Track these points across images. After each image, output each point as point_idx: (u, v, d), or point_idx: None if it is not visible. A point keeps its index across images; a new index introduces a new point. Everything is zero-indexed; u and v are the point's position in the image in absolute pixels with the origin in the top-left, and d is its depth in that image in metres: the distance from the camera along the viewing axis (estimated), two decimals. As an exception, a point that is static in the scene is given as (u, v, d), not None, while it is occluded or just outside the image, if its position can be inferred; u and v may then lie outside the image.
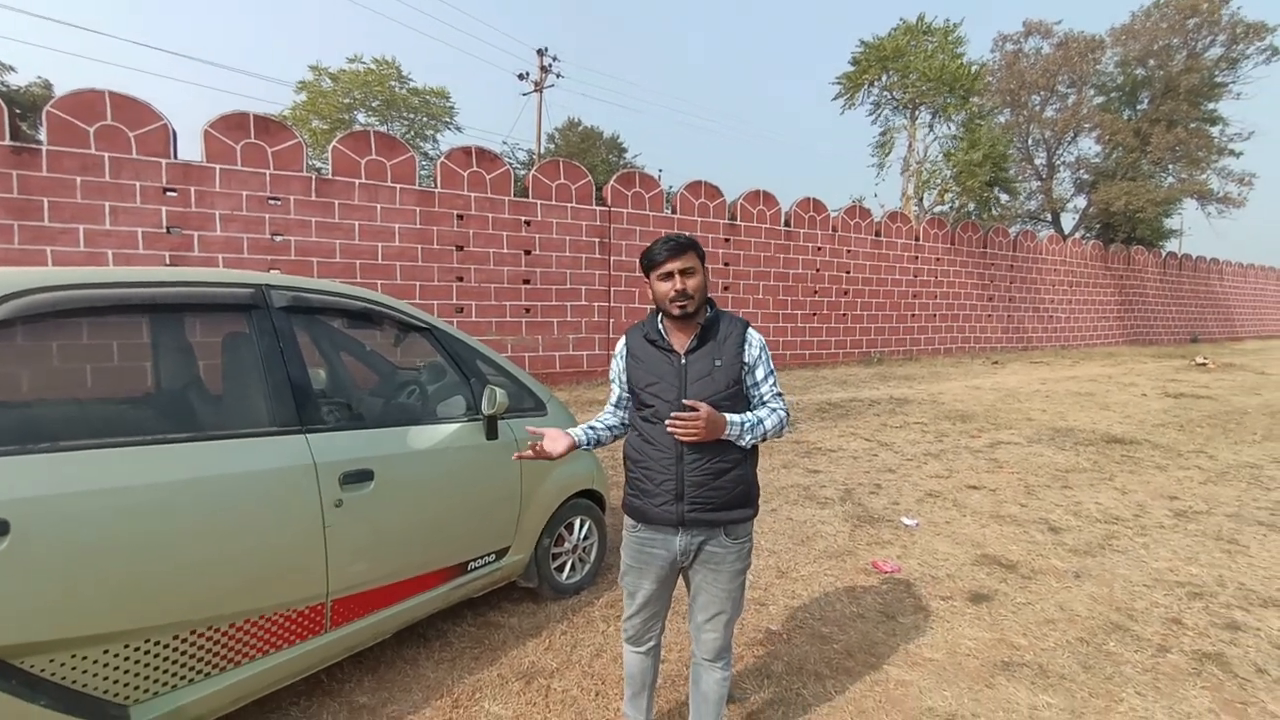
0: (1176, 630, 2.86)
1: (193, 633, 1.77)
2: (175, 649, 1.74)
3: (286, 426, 2.02)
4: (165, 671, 1.73)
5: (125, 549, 1.65)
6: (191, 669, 1.78)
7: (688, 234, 1.82)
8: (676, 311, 1.73)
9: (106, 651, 1.62)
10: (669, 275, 1.72)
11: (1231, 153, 23.37)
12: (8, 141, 6.64)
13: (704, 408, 1.65)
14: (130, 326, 2.43)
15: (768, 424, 1.76)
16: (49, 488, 1.54)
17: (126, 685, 1.66)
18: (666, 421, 1.69)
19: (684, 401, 1.69)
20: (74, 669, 1.57)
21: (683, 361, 1.75)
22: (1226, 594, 3.22)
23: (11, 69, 20.87)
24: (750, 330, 1.82)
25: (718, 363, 1.74)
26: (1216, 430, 7.41)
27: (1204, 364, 14.84)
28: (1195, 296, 24.67)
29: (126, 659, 1.66)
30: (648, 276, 1.79)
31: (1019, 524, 4.22)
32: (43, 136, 6.85)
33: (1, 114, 6.60)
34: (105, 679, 1.62)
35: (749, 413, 1.77)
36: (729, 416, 1.70)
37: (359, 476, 2.14)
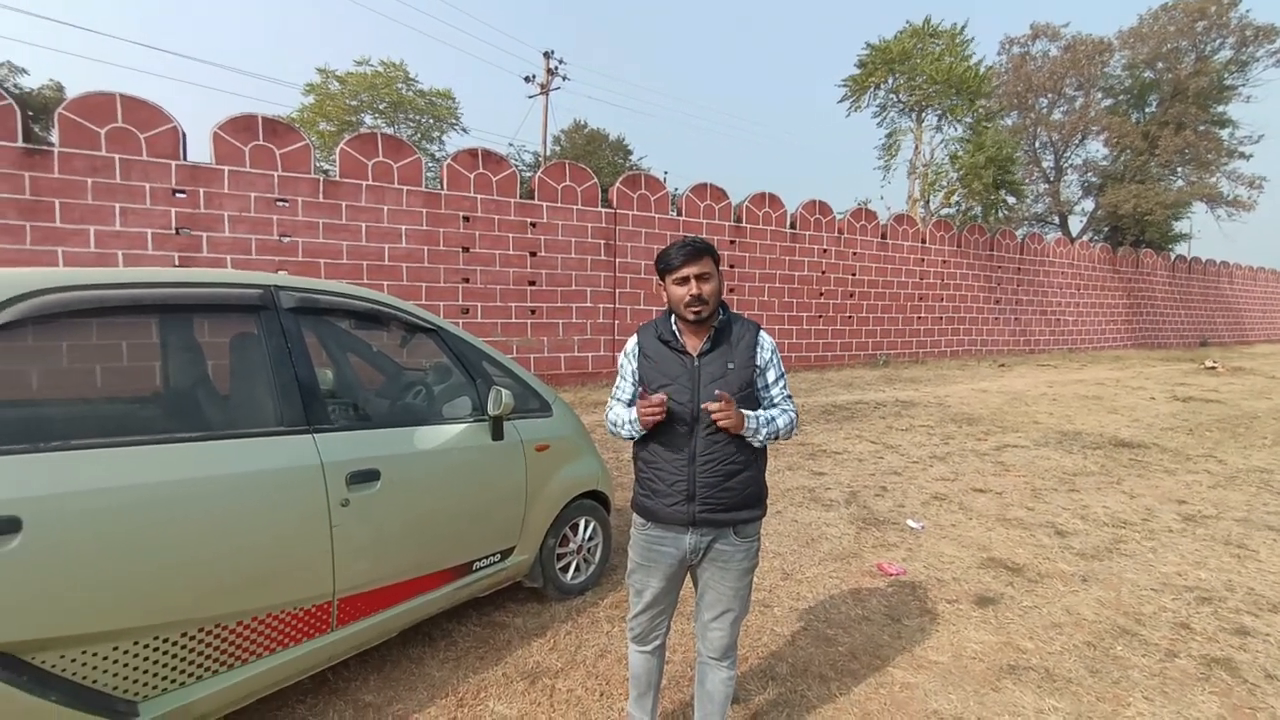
0: (1185, 635, 2.84)
1: (201, 630, 1.79)
2: (184, 646, 1.76)
3: (294, 426, 2.04)
4: (174, 669, 1.74)
5: (135, 547, 1.66)
6: (200, 666, 1.80)
7: (704, 238, 1.82)
8: (691, 316, 1.75)
9: (116, 648, 1.63)
10: (684, 280, 1.73)
11: (1241, 155, 23.23)
12: (20, 143, 6.71)
13: (728, 399, 1.68)
14: (140, 327, 2.45)
15: (780, 422, 1.79)
16: (60, 486, 1.56)
17: (136, 682, 1.68)
18: (710, 406, 1.69)
19: (716, 392, 1.70)
20: (85, 665, 1.59)
21: (696, 363, 1.77)
22: (1235, 599, 3.20)
23: (24, 71, 21.10)
24: (762, 333, 1.84)
25: (731, 365, 1.76)
26: (1226, 435, 7.35)
27: (1213, 368, 14.73)
28: (1204, 300, 24.49)
29: (136, 655, 1.67)
30: (662, 279, 1.80)
31: (1025, 527, 4.20)
32: (54, 138, 6.92)
33: (14, 116, 6.68)
34: (115, 675, 1.64)
35: (762, 410, 1.79)
36: (745, 413, 1.72)
37: (365, 476, 2.15)
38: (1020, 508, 4.61)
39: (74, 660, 1.57)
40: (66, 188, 6.93)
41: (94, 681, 1.60)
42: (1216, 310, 25.18)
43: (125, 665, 1.65)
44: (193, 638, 1.77)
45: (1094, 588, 3.31)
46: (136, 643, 1.67)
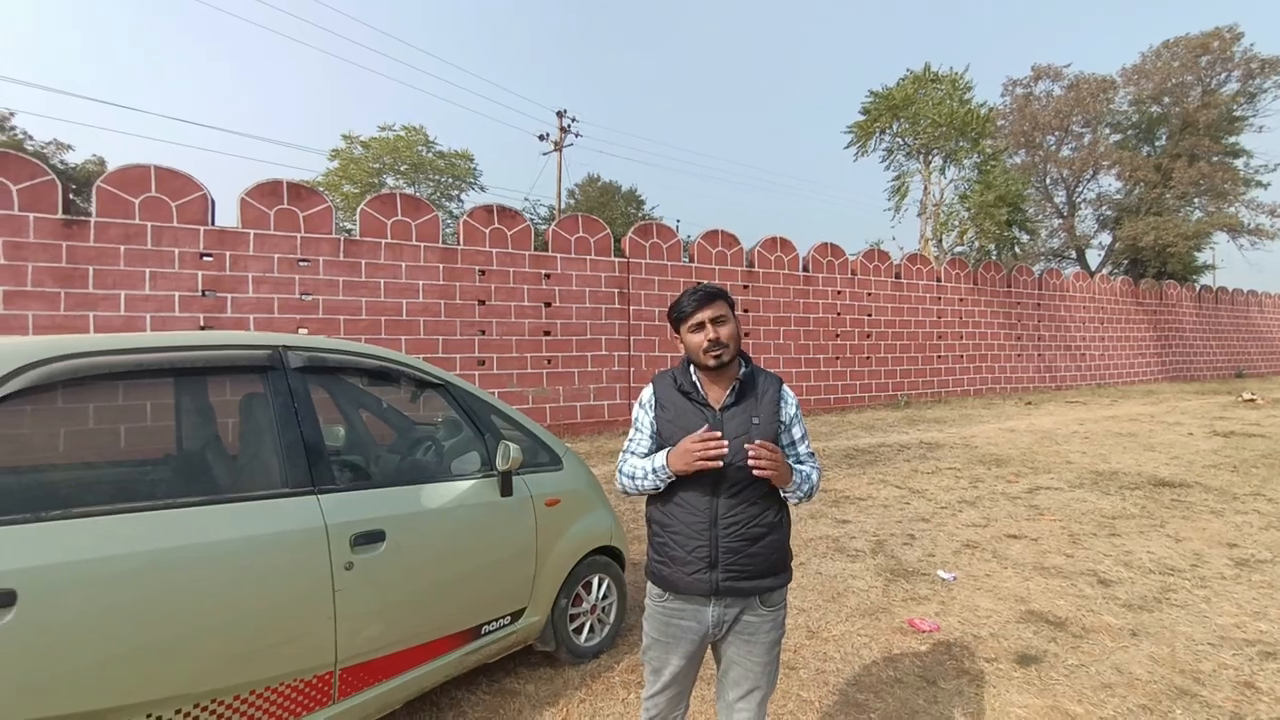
0: (1250, 696, 2.61)
1: (196, 706, 1.72)
2: (177, 724, 1.68)
3: (299, 487, 2.01)
4: (165, 748, 1.67)
5: (132, 619, 1.62)
6: (193, 745, 1.72)
7: (715, 284, 1.77)
8: (712, 362, 1.65)
9: (106, 728, 1.57)
10: (700, 326, 1.66)
11: (1259, 184, 23.04)
12: (59, 215, 7.05)
13: (774, 448, 1.57)
14: (148, 390, 2.48)
15: (814, 478, 1.72)
16: (57, 556, 1.53)
17: (125, 764, 1.60)
18: (744, 446, 1.56)
19: (756, 444, 1.55)
20: (72, 747, 1.52)
21: (719, 416, 1.67)
22: (1303, 654, 2.96)
23: (70, 148, 22.43)
24: (785, 388, 1.77)
25: (756, 420, 1.66)
26: (1274, 471, 6.99)
27: (1252, 400, 14.20)
28: (1236, 330, 23.85)
29: (127, 735, 1.60)
30: (678, 331, 1.73)
31: (1065, 576, 3.97)
32: (92, 209, 7.26)
33: (55, 190, 7.04)
34: (103, 758, 1.57)
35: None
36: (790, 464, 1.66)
37: (370, 537, 2.10)
38: (1058, 555, 4.38)
39: (62, 742, 1.51)
40: (101, 255, 7.22)
41: (81, 765, 1.54)
42: (1249, 340, 24.48)
43: (115, 746, 1.58)
44: (188, 715, 1.70)
45: (1145, 643, 3.08)
46: (129, 721, 1.61)
